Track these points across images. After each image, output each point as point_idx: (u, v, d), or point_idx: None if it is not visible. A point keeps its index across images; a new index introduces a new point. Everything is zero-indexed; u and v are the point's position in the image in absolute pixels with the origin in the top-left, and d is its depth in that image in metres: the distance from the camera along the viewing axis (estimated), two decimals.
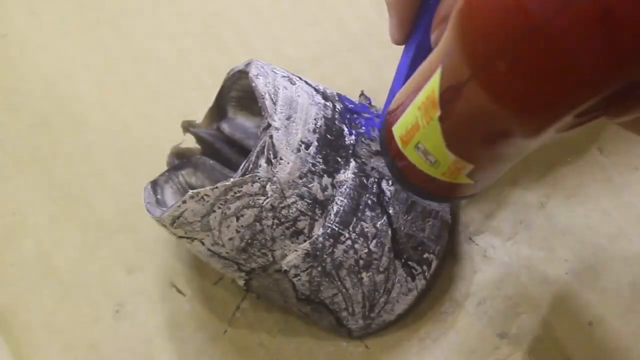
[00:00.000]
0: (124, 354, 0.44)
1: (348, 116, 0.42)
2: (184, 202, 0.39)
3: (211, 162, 0.45)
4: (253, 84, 0.40)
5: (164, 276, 0.45)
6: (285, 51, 0.50)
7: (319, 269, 0.39)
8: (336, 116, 0.42)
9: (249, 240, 0.39)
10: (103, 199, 0.49)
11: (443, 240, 0.42)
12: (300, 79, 0.43)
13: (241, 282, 0.42)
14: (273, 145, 0.39)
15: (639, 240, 0.42)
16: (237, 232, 0.39)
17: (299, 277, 0.40)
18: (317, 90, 0.42)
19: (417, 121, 0.33)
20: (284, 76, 0.41)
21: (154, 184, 0.44)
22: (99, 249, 0.47)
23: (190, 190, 0.39)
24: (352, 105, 0.44)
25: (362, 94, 0.46)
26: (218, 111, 0.46)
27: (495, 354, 0.39)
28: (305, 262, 0.39)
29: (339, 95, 0.44)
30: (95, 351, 0.44)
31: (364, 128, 0.43)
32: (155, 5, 0.55)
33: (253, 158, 0.38)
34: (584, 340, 0.39)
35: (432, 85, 0.31)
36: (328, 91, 0.43)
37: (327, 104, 0.42)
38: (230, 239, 0.39)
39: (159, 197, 0.43)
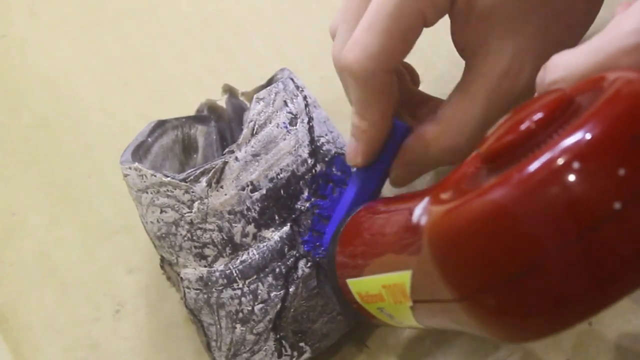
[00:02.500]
0: (124, 354, 0.44)
1: (321, 182, 0.40)
2: (130, 168, 0.40)
3: (215, 137, 0.45)
4: (250, 105, 0.40)
5: (163, 276, 0.45)
6: (285, 51, 0.50)
7: (205, 296, 0.40)
8: (306, 177, 0.40)
9: (164, 235, 0.40)
10: (103, 199, 0.49)
11: (328, 341, 0.40)
12: (310, 121, 0.41)
13: (158, 259, 0.43)
14: (222, 172, 0.38)
15: None
16: (157, 222, 0.40)
17: (188, 290, 0.40)
18: (312, 142, 0.41)
19: (382, 295, 0.32)
20: (290, 113, 0.40)
21: (161, 124, 0.44)
22: (99, 249, 0.47)
23: (137, 163, 0.40)
24: (338, 173, 0.41)
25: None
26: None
27: (495, 354, 0.39)
28: (197, 283, 0.40)
29: (334, 157, 0.41)
30: (95, 351, 0.44)
31: (326, 201, 0.40)
32: (155, 5, 0.55)
33: (198, 172, 0.38)
34: (584, 340, 0.39)
35: (401, 280, 0.29)
36: (325, 147, 0.41)
37: (309, 160, 0.40)
38: (152, 222, 0.40)
39: (149, 139, 0.43)
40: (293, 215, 0.40)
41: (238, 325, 0.39)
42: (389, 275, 0.30)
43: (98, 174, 0.50)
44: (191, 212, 0.39)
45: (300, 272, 0.39)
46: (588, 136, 0.23)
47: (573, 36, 0.38)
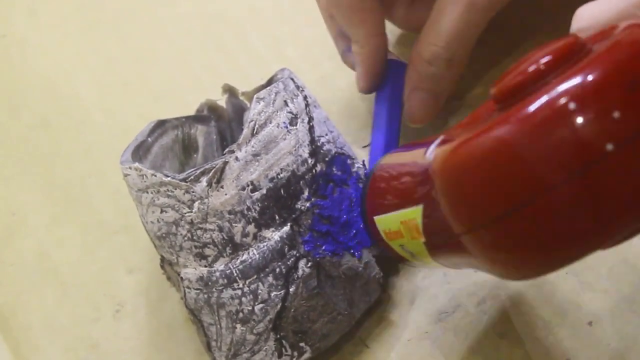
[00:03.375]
0: (124, 354, 0.44)
1: (321, 182, 0.40)
2: (130, 168, 0.40)
3: (214, 137, 0.45)
4: (250, 105, 0.40)
5: (164, 276, 0.45)
6: (285, 51, 0.50)
7: (206, 296, 0.40)
8: (306, 176, 0.40)
9: (164, 235, 0.40)
10: (103, 199, 0.49)
11: (328, 341, 0.40)
12: (310, 121, 0.41)
13: (159, 259, 0.43)
14: (222, 172, 0.38)
15: (639, 240, 0.42)
16: (158, 222, 0.40)
17: (189, 290, 0.40)
18: (312, 142, 0.41)
19: (401, 231, 0.33)
20: (290, 112, 0.40)
21: (161, 124, 0.44)
22: (99, 249, 0.47)
23: (137, 163, 0.40)
24: (338, 173, 0.41)
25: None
26: None
27: (495, 354, 0.39)
28: (197, 283, 0.40)
29: (335, 157, 0.41)
30: (95, 351, 0.44)
31: (327, 201, 0.41)
32: (155, 6, 0.55)
33: (198, 172, 0.38)
34: (584, 340, 0.39)
35: (414, 215, 0.31)
36: (325, 147, 0.41)
37: (309, 160, 0.40)
38: (152, 222, 0.40)
39: (149, 139, 0.44)
40: (293, 215, 0.39)
41: (238, 325, 0.39)
42: (405, 211, 0.32)
43: (98, 174, 0.50)
44: (191, 212, 0.39)
45: (300, 272, 0.39)
46: (587, 78, 0.24)
47: None
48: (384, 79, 0.44)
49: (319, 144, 0.41)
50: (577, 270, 0.41)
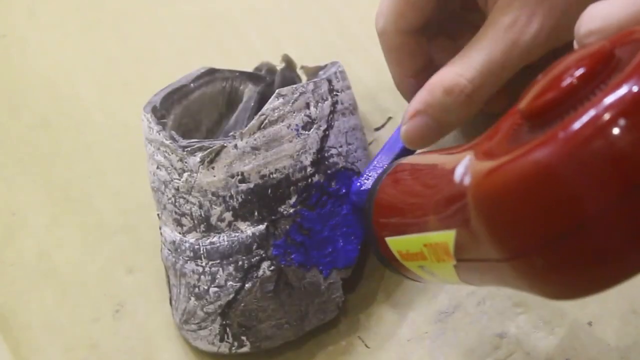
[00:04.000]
0: (124, 354, 0.44)
1: (314, 192, 0.40)
2: (145, 115, 0.42)
3: (252, 104, 0.45)
4: (270, 99, 0.40)
5: (163, 276, 0.45)
6: (285, 52, 0.50)
7: (173, 259, 0.41)
8: (299, 184, 0.39)
9: (155, 189, 0.42)
10: (103, 199, 0.49)
11: (270, 343, 0.40)
12: (327, 130, 0.40)
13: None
14: (217, 154, 0.39)
15: None
16: (153, 175, 0.42)
17: (163, 247, 0.42)
18: (320, 151, 0.40)
19: (423, 253, 0.31)
20: (308, 116, 0.40)
21: (211, 72, 0.45)
22: (99, 249, 0.47)
23: (151, 114, 0.41)
24: (335, 189, 0.40)
25: None
26: (318, 74, 0.45)
27: (495, 354, 0.39)
28: (170, 245, 0.41)
29: (338, 172, 0.41)
30: (95, 351, 0.44)
31: (313, 213, 0.40)
32: (155, 6, 0.55)
33: (196, 146, 0.39)
34: (584, 340, 0.39)
35: (444, 239, 0.29)
36: (332, 160, 0.40)
37: (309, 169, 0.40)
38: (150, 172, 0.42)
39: (192, 85, 0.44)
40: (273, 217, 0.39)
41: (192, 298, 0.40)
42: (431, 234, 0.30)
43: (98, 174, 0.50)
44: (180, 180, 0.40)
45: (261, 272, 0.39)
46: (634, 90, 0.22)
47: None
48: None
49: (326, 154, 0.40)
50: None
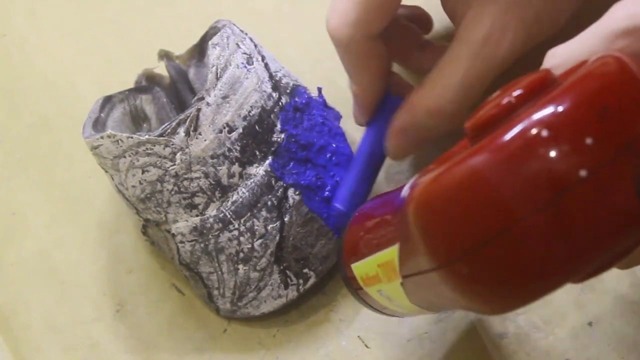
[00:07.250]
0: (124, 354, 0.44)
1: (290, 114, 0.42)
2: (102, 137, 0.40)
3: (165, 100, 0.45)
4: (208, 52, 0.41)
5: (163, 276, 0.45)
6: (285, 52, 0.50)
7: (202, 245, 0.40)
8: (275, 109, 0.41)
9: (148, 195, 0.41)
10: (103, 199, 0.49)
11: (329, 262, 0.41)
12: (264, 59, 0.43)
13: (140, 226, 0.43)
14: (197, 119, 0.39)
15: None
16: (140, 183, 0.40)
17: (183, 245, 0.41)
18: (271, 77, 0.42)
19: (378, 275, 0.32)
20: (244, 53, 0.42)
21: (108, 99, 0.44)
22: (99, 249, 0.47)
23: (110, 130, 0.40)
24: (303, 101, 0.43)
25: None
26: (199, 52, 0.45)
27: (495, 354, 0.39)
28: (192, 234, 0.40)
29: (294, 89, 0.43)
30: (95, 351, 0.44)
31: (299, 129, 0.42)
32: (155, 6, 0.55)
33: (174, 124, 0.39)
34: (584, 340, 0.39)
35: (391, 256, 0.30)
36: (284, 81, 0.43)
37: (273, 94, 0.42)
38: (133, 186, 0.41)
39: (102, 115, 0.44)
40: (272, 148, 0.41)
41: (240, 266, 0.40)
42: (382, 253, 0.31)
43: (98, 174, 0.49)
44: (174, 164, 0.39)
45: (291, 200, 0.40)
46: (559, 107, 0.24)
47: (559, 9, 0.39)
48: (378, 112, 0.43)
49: (277, 78, 0.42)
50: None
